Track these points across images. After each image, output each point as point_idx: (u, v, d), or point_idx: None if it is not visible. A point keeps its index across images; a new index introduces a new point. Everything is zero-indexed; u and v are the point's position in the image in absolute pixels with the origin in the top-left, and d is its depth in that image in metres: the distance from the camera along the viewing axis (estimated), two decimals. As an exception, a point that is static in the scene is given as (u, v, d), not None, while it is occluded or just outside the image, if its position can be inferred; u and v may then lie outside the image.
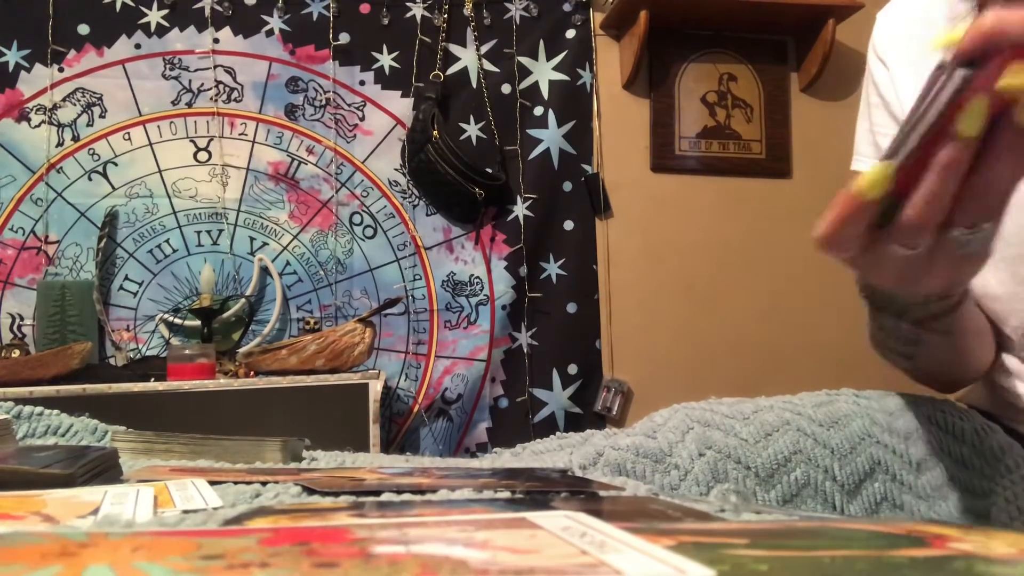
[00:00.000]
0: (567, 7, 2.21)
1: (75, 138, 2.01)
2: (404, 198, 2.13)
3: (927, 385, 0.71)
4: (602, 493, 0.46)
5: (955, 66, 0.37)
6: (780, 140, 2.29)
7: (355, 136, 2.12)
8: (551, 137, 2.18)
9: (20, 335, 1.94)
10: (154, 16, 2.05)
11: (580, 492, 0.45)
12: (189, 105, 2.06)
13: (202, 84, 2.06)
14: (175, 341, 1.99)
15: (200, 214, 2.05)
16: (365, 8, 2.13)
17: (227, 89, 2.07)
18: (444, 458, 1.01)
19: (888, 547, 0.25)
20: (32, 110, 1.99)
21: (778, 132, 2.29)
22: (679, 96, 2.26)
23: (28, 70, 1.99)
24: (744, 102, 2.28)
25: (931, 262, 0.43)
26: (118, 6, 2.03)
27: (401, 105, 2.12)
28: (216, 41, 2.07)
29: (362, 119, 2.12)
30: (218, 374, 1.80)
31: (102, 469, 0.48)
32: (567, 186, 2.19)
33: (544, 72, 2.19)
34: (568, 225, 2.19)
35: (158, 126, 2.05)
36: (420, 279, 2.13)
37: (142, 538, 0.22)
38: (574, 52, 2.21)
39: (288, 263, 2.08)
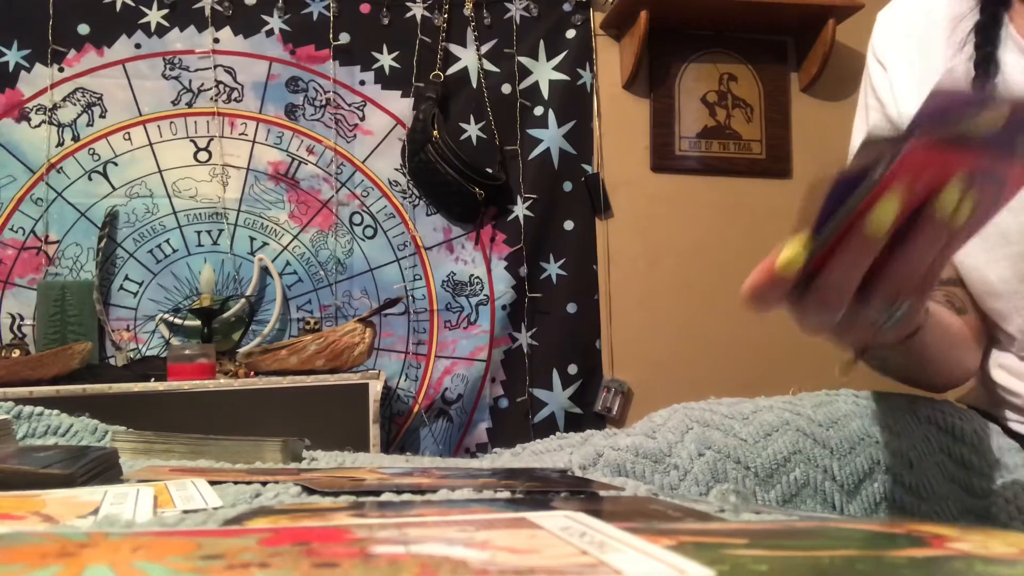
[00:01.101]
0: (567, 7, 2.21)
1: (75, 138, 2.01)
2: (404, 198, 2.13)
3: (909, 387, 0.71)
4: (602, 493, 0.46)
5: (881, 161, 0.37)
6: (780, 140, 2.29)
7: (355, 136, 2.12)
8: (551, 137, 2.18)
9: (20, 335, 1.94)
10: (154, 16, 2.05)
11: (580, 492, 0.45)
12: (189, 105, 2.06)
13: (202, 84, 2.06)
14: (175, 341, 1.99)
15: (200, 214, 2.05)
16: (365, 8, 2.13)
17: (227, 89, 2.07)
18: (444, 458, 1.01)
19: (888, 547, 0.25)
20: (32, 110, 1.99)
21: (778, 132, 2.29)
22: (679, 96, 2.26)
23: (28, 70, 1.99)
24: (744, 102, 2.28)
25: (852, 326, 0.44)
26: (118, 6, 2.04)
27: (401, 105, 2.12)
28: (216, 41, 2.07)
29: (362, 119, 2.12)
30: (218, 374, 1.80)
31: (102, 469, 0.48)
32: (567, 186, 2.19)
33: (544, 72, 2.19)
34: (568, 225, 2.19)
35: (158, 126, 2.05)
36: (420, 279, 2.13)
37: (142, 538, 0.22)
38: (574, 52, 2.21)
39: (288, 263, 2.08)
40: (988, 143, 0.37)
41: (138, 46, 2.04)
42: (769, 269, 0.42)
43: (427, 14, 2.15)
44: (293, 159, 2.09)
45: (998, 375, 0.71)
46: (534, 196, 2.15)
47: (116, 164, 2.03)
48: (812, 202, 0.41)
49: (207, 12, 2.06)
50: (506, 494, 0.42)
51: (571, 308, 2.17)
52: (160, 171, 2.04)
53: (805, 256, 0.40)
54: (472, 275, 2.14)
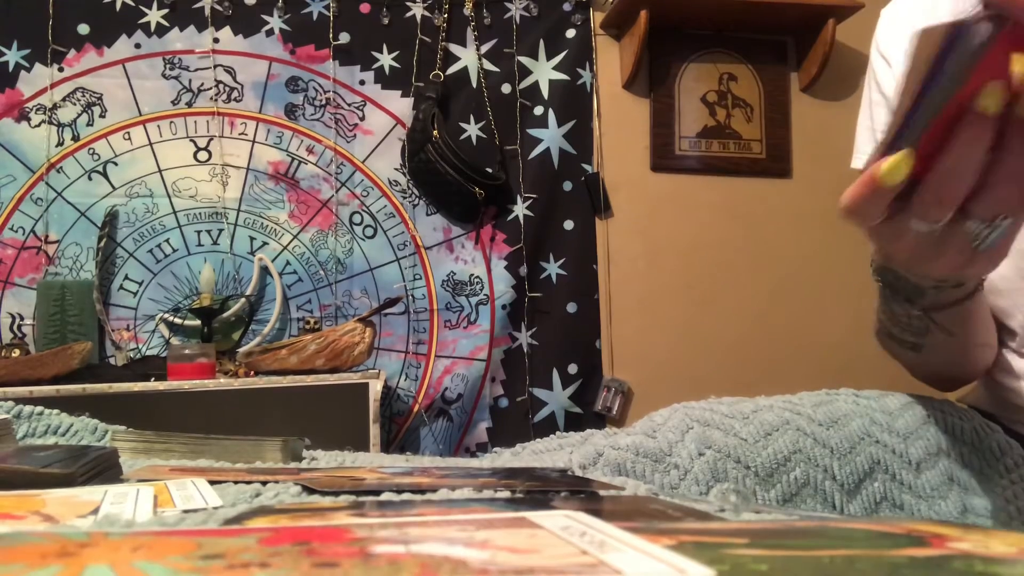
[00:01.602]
0: (567, 7, 2.21)
1: (75, 138, 2.01)
2: (404, 198, 2.13)
3: (927, 382, 0.71)
4: (602, 493, 0.46)
5: (970, 28, 0.35)
6: (780, 140, 2.29)
7: (355, 136, 2.12)
8: (551, 137, 2.18)
9: (20, 335, 1.94)
10: (154, 16, 2.05)
11: (580, 492, 0.45)
12: (189, 105, 2.06)
13: (202, 84, 2.06)
14: (175, 341, 1.99)
15: (200, 214, 2.05)
16: (365, 8, 2.13)
17: (227, 89, 2.07)
18: (444, 458, 1.01)
19: (888, 547, 0.25)
20: (32, 110, 1.99)
21: (778, 132, 2.29)
22: (679, 96, 2.26)
23: (28, 70, 1.99)
24: (744, 102, 2.28)
25: (946, 246, 0.43)
26: (118, 6, 2.03)
27: (401, 105, 2.12)
28: (216, 41, 2.07)
29: (362, 119, 2.12)
30: (218, 374, 1.80)
31: (102, 469, 0.48)
32: (567, 186, 2.19)
33: (544, 72, 2.19)
34: (568, 225, 2.19)
35: (158, 126, 2.05)
36: (420, 279, 2.13)
37: (142, 538, 0.22)
38: (574, 52, 2.21)
39: (288, 263, 2.08)
40: None
41: (138, 46, 2.04)
42: (871, 179, 0.40)
43: (427, 14, 2.15)
44: (293, 159, 2.09)
45: (1000, 373, 0.71)
46: (534, 196, 2.15)
47: (116, 164, 2.03)
48: (911, 77, 0.38)
49: (207, 12, 2.06)
50: (506, 494, 0.42)
51: (571, 308, 2.17)
52: (160, 171, 2.04)
53: (910, 165, 0.39)
54: (472, 275, 2.14)
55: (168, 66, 2.05)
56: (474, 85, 2.15)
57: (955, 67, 0.37)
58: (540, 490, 0.46)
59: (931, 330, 0.61)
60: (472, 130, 2.14)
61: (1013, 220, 0.42)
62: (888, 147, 0.40)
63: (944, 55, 0.37)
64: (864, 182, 0.40)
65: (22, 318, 1.95)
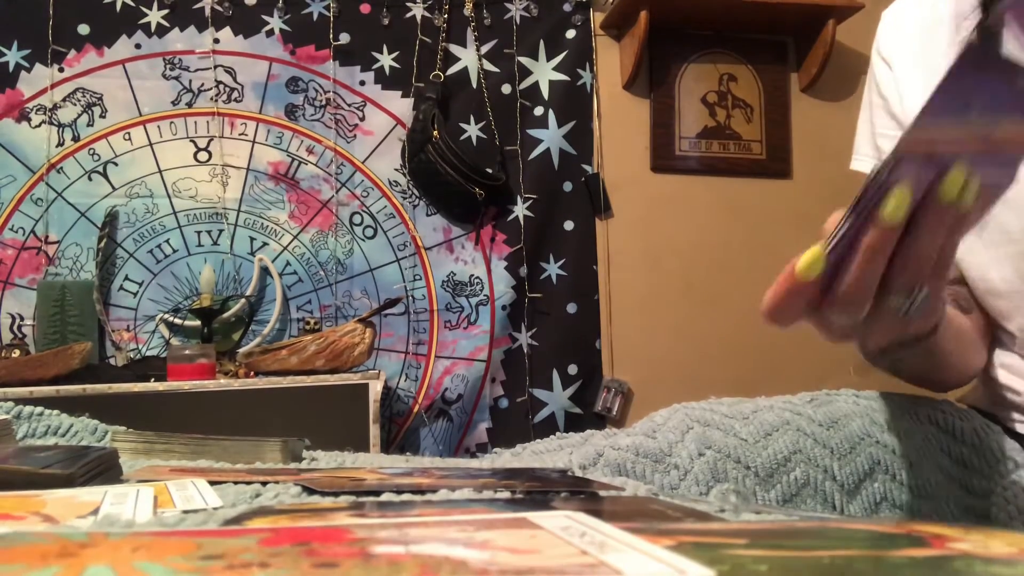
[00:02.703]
0: (567, 7, 2.21)
1: (75, 138, 2.01)
2: (404, 198, 2.13)
3: (919, 387, 0.71)
4: (602, 493, 0.46)
5: (888, 163, 0.39)
6: (780, 140, 2.29)
7: (355, 136, 2.12)
8: (551, 137, 2.18)
9: (20, 335, 1.94)
10: (154, 16, 2.05)
11: (580, 492, 0.45)
12: (189, 105, 2.06)
13: (202, 84, 2.06)
14: (175, 341, 1.99)
15: (200, 214, 2.05)
16: (365, 8, 2.13)
17: (227, 89, 2.07)
18: (444, 458, 1.01)
19: (888, 547, 0.25)
20: (32, 110, 1.99)
21: (778, 132, 2.29)
22: (679, 96, 2.26)
23: (28, 70, 1.99)
24: (744, 102, 2.28)
25: (874, 324, 0.46)
26: (118, 6, 2.04)
27: (401, 105, 2.12)
28: (216, 41, 2.07)
29: (362, 119, 2.12)
30: (218, 374, 1.80)
31: (102, 469, 0.48)
32: (567, 186, 2.19)
33: (544, 72, 2.19)
34: (568, 225, 2.19)
35: (158, 126, 2.05)
36: (420, 279, 2.13)
37: (142, 538, 0.22)
38: (574, 52, 2.21)
39: (288, 263, 2.08)
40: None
41: (138, 46, 2.04)
42: (788, 280, 0.43)
43: (427, 14, 2.15)
44: (293, 159, 2.10)
45: (1000, 374, 0.71)
46: (534, 196, 2.15)
47: (116, 164, 2.03)
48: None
49: (207, 12, 2.06)
50: (506, 494, 0.42)
51: (571, 308, 2.17)
52: (160, 171, 2.04)
53: (824, 258, 0.41)
54: (472, 275, 2.14)
55: (168, 66, 2.05)
56: (474, 85, 2.15)
57: (870, 194, 0.40)
58: (540, 491, 0.46)
59: (903, 360, 0.61)
60: (472, 130, 2.14)
61: (932, 286, 0.45)
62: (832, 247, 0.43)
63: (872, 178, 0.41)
64: (780, 284, 0.43)
65: (22, 318, 1.95)
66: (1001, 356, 0.71)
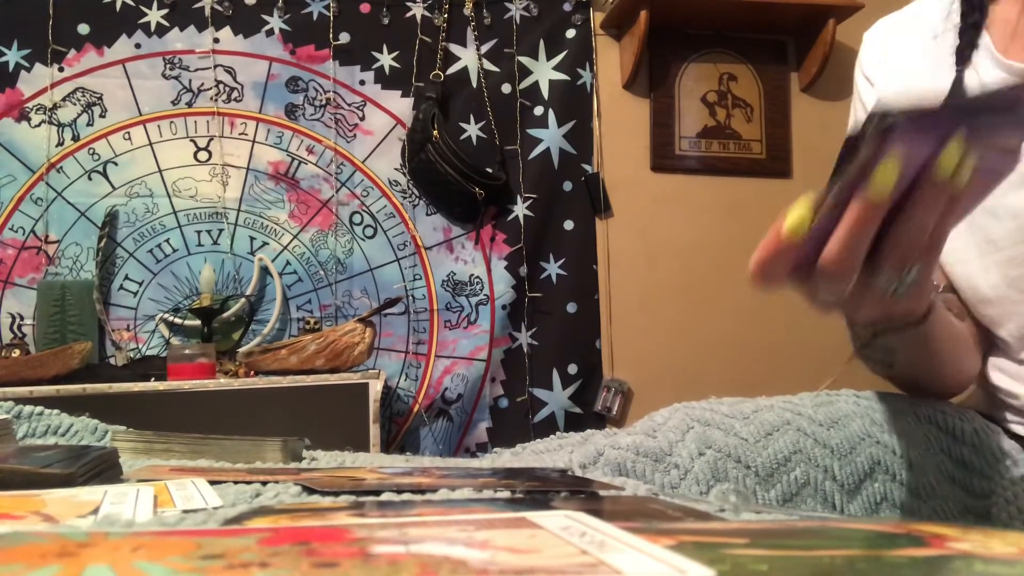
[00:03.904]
0: (567, 7, 2.21)
1: (75, 138, 2.01)
2: (404, 198, 2.13)
3: (913, 395, 0.71)
4: (602, 493, 0.46)
5: (876, 127, 0.38)
6: (780, 140, 2.29)
7: (355, 136, 2.12)
8: (551, 137, 2.18)
9: (20, 335, 1.94)
10: (154, 16, 2.05)
11: (580, 492, 0.45)
12: (189, 105, 2.06)
13: (202, 84, 2.06)
14: (175, 341, 1.99)
15: (200, 214, 2.05)
16: (365, 8, 2.13)
17: (227, 89, 2.07)
18: (444, 458, 1.01)
19: (888, 547, 0.25)
20: (32, 110, 1.99)
21: (778, 132, 2.29)
22: (679, 96, 2.25)
23: (28, 70, 1.99)
24: (744, 102, 2.28)
25: (863, 299, 0.44)
26: (118, 6, 2.03)
27: (401, 105, 2.12)
28: (216, 41, 2.07)
29: (362, 119, 2.12)
30: (218, 374, 1.80)
31: (102, 469, 0.48)
32: (567, 186, 2.19)
33: (544, 72, 2.19)
34: (568, 225, 2.19)
35: (158, 126, 2.05)
36: (420, 279, 2.13)
37: (142, 538, 0.22)
38: (574, 52, 2.21)
39: (288, 263, 2.08)
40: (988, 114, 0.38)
41: (138, 46, 2.04)
42: (775, 240, 0.41)
43: (427, 14, 2.15)
44: (293, 159, 2.09)
45: (996, 378, 0.71)
46: (534, 196, 2.15)
47: (116, 164, 2.03)
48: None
49: (207, 12, 2.06)
50: (506, 494, 0.42)
51: (571, 308, 2.17)
52: (160, 171, 2.04)
53: (811, 218, 0.40)
54: (472, 275, 2.14)
55: (168, 66, 2.05)
56: (474, 85, 2.15)
57: (857, 162, 0.39)
58: (540, 490, 0.46)
59: (896, 351, 0.61)
60: (472, 130, 2.14)
61: (922, 266, 0.43)
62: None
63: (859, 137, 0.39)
64: (767, 242, 0.42)
65: (22, 318, 1.95)
66: (996, 361, 0.71)
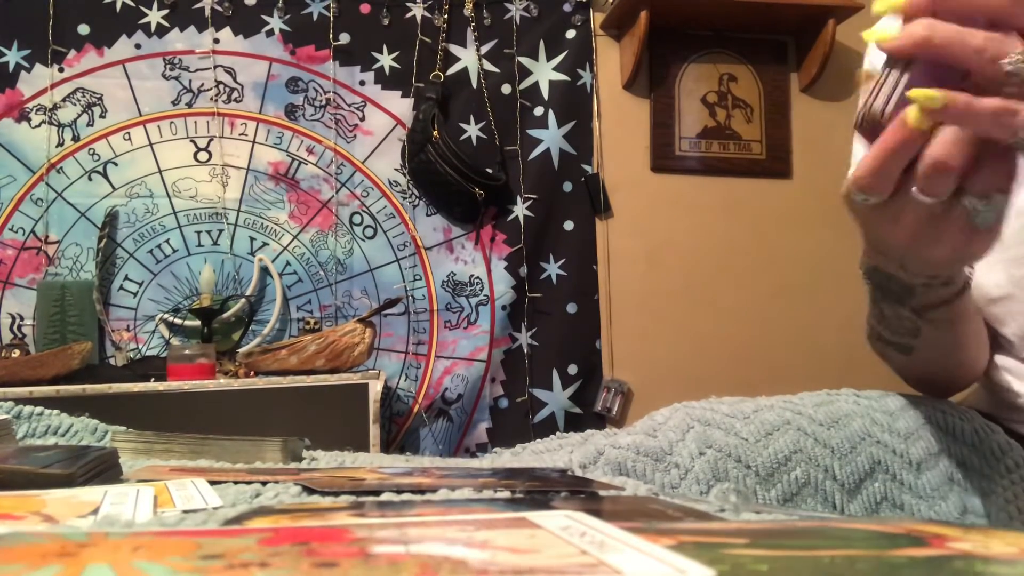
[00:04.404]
0: (567, 7, 2.21)
1: (75, 138, 2.01)
2: (404, 198, 2.13)
3: (918, 388, 0.71)
4: (602, 493, 0.46)
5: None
6: (780, 140, 2.29)
7: (355, 136, 2.12)
8: (551, 137, 2.18)
9: (20, 335, 1.94)
10: (154, 16, 2.05)
11: (580, 492, 0.45)
12: (189, 105, 2.06)
13: (202, 84, 2.06)
14: (175, 341, 1.99)
15: (200, 214, 2.05)
16: (365, 8, 2.13)
17: (227, 89, 2.07)
18: (444, 458, 1.01)
19: (888, 547, 0.25)
20: (32, 110, 1.99)
21: (778, 132, 2.29)
22: (679, 96, 2.26)
23: (28, 70, 1.99)
24: (744, 102, 2.28)
25: (944, 226, 0.45)
26: (118, 6, 2.04)
27: (401, 105, 2.12)
28: (216, 41, 2.07)
29: (362, 119, 2.12)
30: (218, 374, 1.80)
31: (102, 469, 0.48)
32: (567, 186, 2.19)
33: (544, 72, 2.19)
34: (568, 225, 2.19)
35: (158, 126, 2.05)
36: (420, 279, 2.13)
37: (142, 538, 0.22)
38: (574, 52, 2.21)
39: (288, 263, 2.08)
40: None
41: (138, 46, 2.04)
42: (899, 131, 0.42)
43: (427, 14, 2.15)
44: (293, 159, 2.10)
45: (1000, 376, 0.71)
46: (534, 196, 2.15)
47: (116, 164, 2.03)
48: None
49: (207, 12, 2.06)
50: (506, 494, 0.42)
51: (571, 308, 2.17)
52: (160, 171, 2.04)
53: (942, 98, 0.40)
54: (472, 275, 2.14)
55: (168, 66, 2.05)
56: (474, 86, 2.15)
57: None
58: (540, 490, 0.46)
59: (921, 331, 0.61)
60: (472, 130, 2.14)
61: (1006, 196, 0.43)
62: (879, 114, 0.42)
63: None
64: (888, 136, 0.42)
65: (22, 318, 1.95)
66: (1000, 359, 0.71)
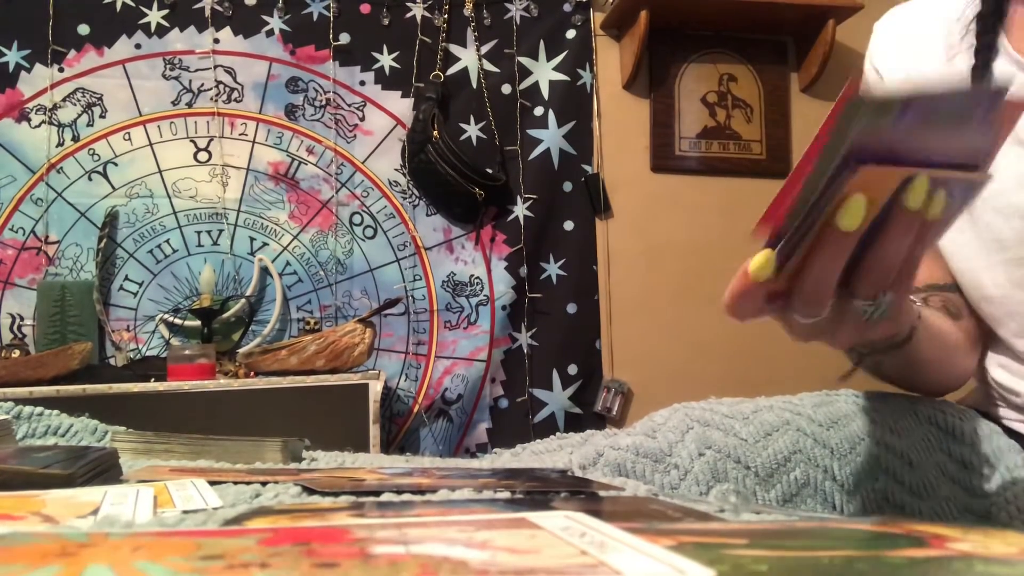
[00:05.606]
0: (567, 7, 2.21)
1: (75, 138, 2.01)
2: (404, 198, 2.13)
3: (912, 391, 0.71)
4: (602, 493, 0.46)
5: (841, 163, 0.38)
6: (780, 140, 2.29)
7: (355, 136, 2.12)
8: (551, 137, 2.18)
9: (20, 335, 1.94)
10: (154, 16, 2.05)
11: (580, 492, 0.45)
12: (189, 105, 2.06)
13: (202, 84, 2.06)
14: (175, 341, 1.99)
15: (200, 214, 2.05)
16: (365, 8, 2.13)
17: (227, 89, 2.07)
18: (444, 458, 1.01)
19: (888, 547, 0.25)
20: (32, 110, 1.99)
21: (778, 132, 2.29)
22: (679, 96, 2.26)
23: (28, 70, 1.99)
24: (744, 102, 2.28)
25: (839, 324, 0.45)
26: (118, 6, 2.03)
27: (401, 105, 2.12)
28: (216, 41, 2.07)
29: (362, 119, 2.12)
30: (218, 374, 1.80)
31: (102, 469, 0.48)
32: (567, 186, 2.19)
33: (544, 72, 2.19)
34: (568, 225, 2.19)
35: (158, 126, 2.05)
36: (420, 279, 2.13)
37: (142, 538, 0.22)
38: (574, 52, 2.21)
39: (288, 263, 2.08)
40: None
41: (138, 46, 2.04)
42: (742, 280, 0.42)
43: (427, 14, 2.15)
44: (293, 159, 2.09)
45: (998, 374, 0.71)
46: (534, 196, 2.15)
47: (116, 164, 2.03)
48: (782, 197, 0.41)
49: (207, 12, 2.06)
50: (506, 494, 0.42)
51: (571, 308, 2.17)
52: (160, 171, 2.04)
53: (775, 260, 0.40)
54: (472, 275, 2.14)
55: (168, 66, 2.05)
56: (474, 86, 2.15)
57: (827, 193, 0.38)
58: (540, 491, 0.46)
59: (883, 364, 0.61)
60: (472, 131, 2.14)
61: (897, 292, 0.43)
62: (786, 239, 0.41)
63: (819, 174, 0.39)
64: (736, 281, 0.42)
65: (22, 318, 1.95)
66: (998, 358, 0.71)
